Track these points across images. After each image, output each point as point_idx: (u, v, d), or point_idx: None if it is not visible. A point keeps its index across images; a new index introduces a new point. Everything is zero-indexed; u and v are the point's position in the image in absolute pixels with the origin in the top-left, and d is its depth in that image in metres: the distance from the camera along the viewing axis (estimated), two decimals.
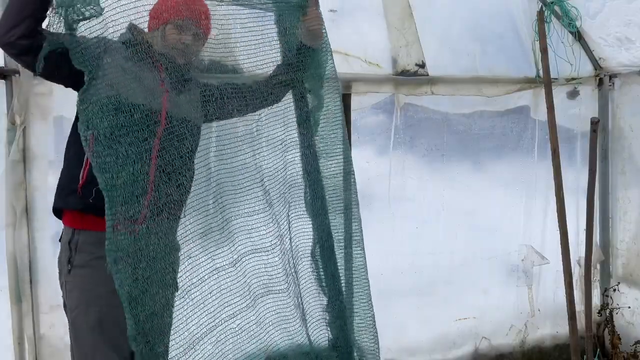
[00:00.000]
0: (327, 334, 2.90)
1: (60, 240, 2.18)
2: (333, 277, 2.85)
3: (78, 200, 2.05)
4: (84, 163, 2.04)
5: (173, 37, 2.13)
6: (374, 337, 2.91)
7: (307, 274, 2.88)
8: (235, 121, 2.61)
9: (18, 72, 2.61)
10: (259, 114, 2.73)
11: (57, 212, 2.19)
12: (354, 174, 2.81)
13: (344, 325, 2.86)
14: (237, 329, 2.72)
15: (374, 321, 2.89)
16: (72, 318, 2.10)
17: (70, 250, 2.06)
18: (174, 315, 2.19)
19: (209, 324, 2.45)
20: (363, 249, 2.89)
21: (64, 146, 2.20)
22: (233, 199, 2.80)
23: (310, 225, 2.85)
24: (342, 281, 2.89)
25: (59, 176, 2.17)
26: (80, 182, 2.03)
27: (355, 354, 2.88)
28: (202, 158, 2.75)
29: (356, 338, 2.91)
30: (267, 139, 2.84)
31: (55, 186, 2.18)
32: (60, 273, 2.13)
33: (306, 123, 2.74)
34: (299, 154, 2.85)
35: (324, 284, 2.86)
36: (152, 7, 2.11)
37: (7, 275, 2.69)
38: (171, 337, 2.19)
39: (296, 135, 2.80)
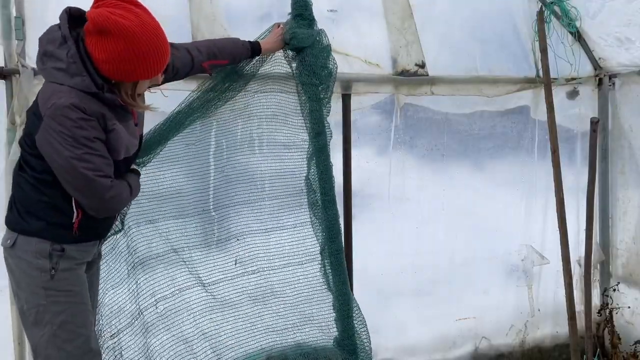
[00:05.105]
0: (333, 332, 2.93)
1: (14, 247, 2.17)
2: (340, 275, 2.88)
3: (73, 236, 2.20)
4: (73, 200, 2.15)
5: (144, 87, 2.22)
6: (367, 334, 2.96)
7: (314, 273, 2.92)
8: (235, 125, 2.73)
9: (18, 72, 2.61)
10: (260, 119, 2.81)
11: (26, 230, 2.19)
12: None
13: (350, 323, 2.89)
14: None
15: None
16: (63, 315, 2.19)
17: (52, 258, 2.16)
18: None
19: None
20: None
21: None
22: (232, 202, 2.85)
23: (317, 225, 2.90)
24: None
25: (27, 196, 2.17)
26: (76, 223, 2.18)
27: (359, 351, 2.90)
28: (202, 160, 2.78)
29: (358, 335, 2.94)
30: (268, 142, 2.88)
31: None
32: (32, 278, 2.16)
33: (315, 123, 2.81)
34: (305, 155, 2.89)
35: (331, 282, 2.88)
36: (126, 57, 2.03)
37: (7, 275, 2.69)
38: None
39: (304, 137, 2.85)
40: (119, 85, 2.12)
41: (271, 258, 2.90)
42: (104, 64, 2.04)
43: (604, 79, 3.87)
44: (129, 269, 2.66)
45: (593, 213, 3.68)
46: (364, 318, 2.94)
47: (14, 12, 2.62)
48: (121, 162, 2.22)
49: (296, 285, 2.92)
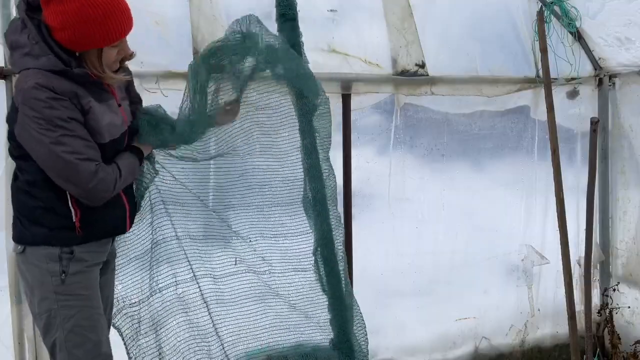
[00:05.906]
0: (328, 334, 2.92)
1: (24, 253, 2.16)
2: (333, 276, 2.87)
3: (78, 236, 2.16)
4: (69, 199, 2.11)
5: (112, 56, 2.13)
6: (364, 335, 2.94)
7: (308, 275, 2.90)
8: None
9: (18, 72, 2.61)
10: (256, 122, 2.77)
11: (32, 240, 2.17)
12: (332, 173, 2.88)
13: (345, 325, 2.88)
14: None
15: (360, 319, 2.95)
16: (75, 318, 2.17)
17: (62, 261, 2.13)
18: None
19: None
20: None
21: None
22: (232, 201, 2.83)
23: (310, 226, 2.88)
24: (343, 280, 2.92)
25: (24, 205, 2.15)
26: (77, 223, 2.14)
27: (355, 352, 2.89)
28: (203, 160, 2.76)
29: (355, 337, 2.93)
30: (261, 143, 2.86)
31: None
32: (44, 283, 2.14)
33: (307, 125, 2.78)
34: (298, 155, 2.87)
35: (325, 283, 2.87)
36: (83, 18, 1.99)
37: (7, 275, 2.69)
38: None
39: (296, 137, 2.82)
40: (84, 56, 2.07)
41: (272, 266, 2.89)
42: (62, 32, 2.00)
43: (604, 79, 3.87)
44: (153, 245, 2.62)
45: (593, 213, 3.68)
46: (362, 318, 2.93)
47: (14, 12, 2.62)
48: (108, 145, 2.15)
49: (292, 292, 2.91)
